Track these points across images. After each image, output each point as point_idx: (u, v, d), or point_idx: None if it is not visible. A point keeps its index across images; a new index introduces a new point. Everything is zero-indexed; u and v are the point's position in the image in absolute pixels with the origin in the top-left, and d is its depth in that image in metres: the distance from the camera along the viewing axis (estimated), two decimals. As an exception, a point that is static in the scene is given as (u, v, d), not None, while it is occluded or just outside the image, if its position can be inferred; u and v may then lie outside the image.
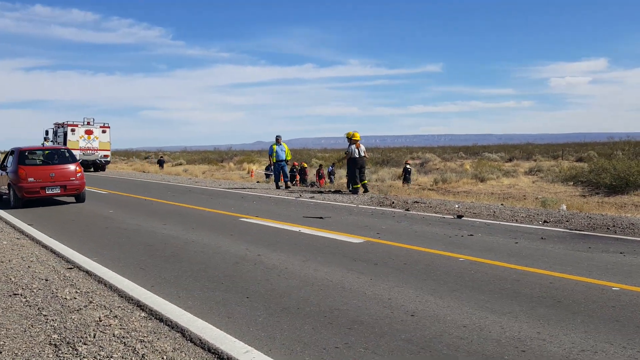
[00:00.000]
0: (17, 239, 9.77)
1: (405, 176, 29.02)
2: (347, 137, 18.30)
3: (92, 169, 36.31)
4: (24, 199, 14.84)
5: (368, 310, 5.08)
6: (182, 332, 4.72)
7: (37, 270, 7.19)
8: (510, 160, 50.24)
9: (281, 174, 20.50)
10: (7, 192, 15.55)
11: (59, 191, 15.04)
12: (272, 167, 21.16)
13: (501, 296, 5.45)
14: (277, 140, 20.40)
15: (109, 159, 36.83)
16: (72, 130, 34.35)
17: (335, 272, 6.60)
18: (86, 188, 16.59)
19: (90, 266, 7.28)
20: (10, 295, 6.02)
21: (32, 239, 9.66)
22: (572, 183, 29.21)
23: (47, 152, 16.21)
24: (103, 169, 36.40)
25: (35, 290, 6.20)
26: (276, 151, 20.29)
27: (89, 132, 34.76)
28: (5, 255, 8.22)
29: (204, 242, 8.93)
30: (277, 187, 20.45)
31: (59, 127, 36.61)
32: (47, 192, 14.90)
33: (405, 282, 6.03)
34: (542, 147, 64.71)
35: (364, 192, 17.54)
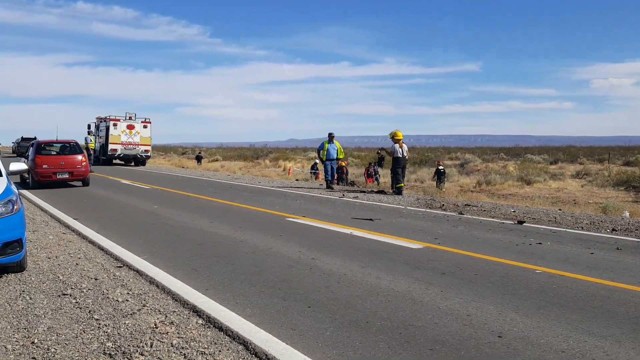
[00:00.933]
0: (63, 233, 9.58)
1: (440, 177, 27.92)
2: (391, 137, 17.76)
3: (132, 164, 36.61)
4: (39, 182, 18.19)
5: (447, 328, 4.60)
6: (245, 344, 4.32)
7: (85, 268, 6.93)
8: (554, 162, 48.79)
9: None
10: (27, 176, 18.76)
11: (67, 176, 18.51)
12: (323, 165, 20.13)
13: (594, 315, 4.89)
14: (330, 138, 19.64)
15: (149, 154, 37.03)
16: (114, 125, 34.62)
17: (399, 282, 6.12)
18: (129, 182, 16.94)
19: (141, 265, 6.97)
20: (60, 296, 5.74)
21: (79, 234, 9.46)
22: (623, 188, 27.98)
23: (59, 144, 19.87)
24: (144, 164, 36.64)
25: (85, 291, 5.92)
26: (327, 149, 19.43)
27: (130, 127, 34.99)
28: (52, 251, 8.01)
29: (254, 242, 8.56)
30: (328, 186, 19.23)
31: (101, 122, 36.99)
32: (57, 177, 18.37)
33: (482, 296, 5.51)
34: (586, 150, 62.76)
35: (398, 193, 16.93)
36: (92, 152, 28.39)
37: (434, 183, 27.52)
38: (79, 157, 18.98)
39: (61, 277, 6.49)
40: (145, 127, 35.94)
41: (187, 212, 12.09)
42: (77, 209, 12.81)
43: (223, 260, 7.31)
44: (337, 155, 19.51)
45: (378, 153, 34.90)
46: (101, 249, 8.16)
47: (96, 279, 6.38)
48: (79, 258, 7.53)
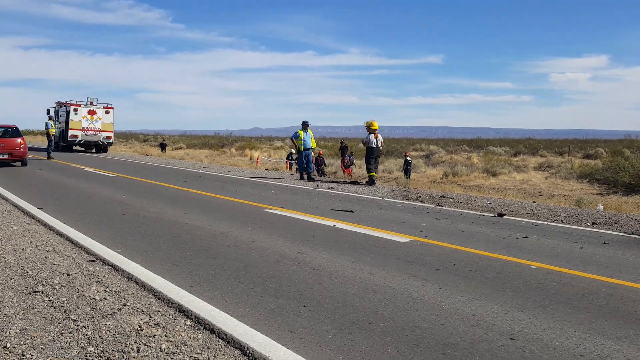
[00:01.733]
0: (28, 224, 9.00)
1: (407, 168, 27.95)
2: (366, 126, 17.50)
3: (94, 150, 35.44)
4: None
5: (455, 329, 4.36)
6: (242, 349, 3.98)
7: (55, 262, 6.44)
8: (516, 155, 49.51)
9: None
10: None
11: (7, 157, 21.02)
12: (297, 155, 18.91)
13: (602, 315, 4.73)
14: (305, 127, 18.43)
15: (111, 140, 35.92)
16: (75, 110, 33.40)
17: (394, 278, 5.87)
18: (92, 170, 16.29)
19: (116, 259, 6.52)
20: (31, 293, 5.28)
21: (45, 224, 8.89)
22: (587, 180, 28.54)
23: (2, 129, 21.80)
24: (105, 151, 35.52)
25: (57, 288, 5.46)
26: (303, 138, 18.26)
27: (92, 113, 33.82)
28: (18, 243, 7.46)
29: (235, 235, 8.18)
30: (302, 177, 18.23)
31: (61, 106, 35.64)
32: None
33: (483, 294, 5.30)
34: (545, 142, 63.96)
35: (371, 183, 16.71)
36: (52, 138, 27.23)
37: (403, 174, 27.53)
38: (18, 140, 21.42)
39: (30, 272, 6.00)
40: (107, 112, 34.82)
41: (159, 202, 11.59)
42: (40, 197, 12.15)
43: (204, 254, 6.93)
44: (312, 144, 18.62)
45: (342, 143, 35.06)
46: (70, 241, 7.64)
47: (68, 275, 5.92)
48: (48, 251, 7.03)
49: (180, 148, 60.31)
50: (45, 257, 6.68)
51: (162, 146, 47.04)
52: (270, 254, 6.96)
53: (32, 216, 9.70)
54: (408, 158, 29.33)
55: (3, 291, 5.32)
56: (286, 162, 30.45)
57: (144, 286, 5.51)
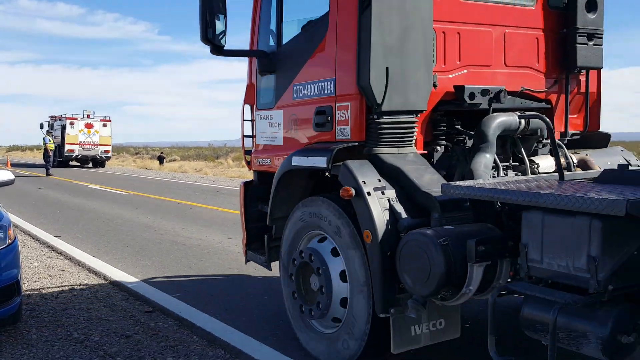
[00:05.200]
0: (49, 257, 7.59)
1: None
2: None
3: (90, 165, 33.84)
4: None
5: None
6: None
7: (102, 316, 5.06)
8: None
9: None
10: None
11: None
12: None
13: None
14: None
15: (109, 154, 34.23)
16: (71, 124, 31.73)
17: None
18: (98, 187, 14.75)
19: (198, 320, 5.04)
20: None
21: (70, 259, 7.47)
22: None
23: None
24: (103, 165, 33.85)
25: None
26: None
27: (89, 126, 32.16)
28: (46, 286, 6.08)
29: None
30: None
31: (55, 120, 33.98)
32: None
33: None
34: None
35: None
36: (50, 153, 25.65)
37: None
38: None
39: (76, 335, 4.59)
40: (104, 125, 33.20)
41: (191, 225, 10.13)
42: (53, 222, 10.67)
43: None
44: None
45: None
46: (112, 283, 6.22)
47: (127, 337, 4.52)
48: (89, 298, 5.63)
49: (175, 160, 58.66)
50: (88, 308, 5.29)
51: (160, 159, 45.43)
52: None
53: (51, 247, 8.26)
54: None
55: (51, 369, 3.92)
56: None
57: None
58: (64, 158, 32.00)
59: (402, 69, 3.64)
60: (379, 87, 3.57)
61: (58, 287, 6.10)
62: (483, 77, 4.03)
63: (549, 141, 4.17)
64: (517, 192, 2.86)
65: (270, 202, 4.35)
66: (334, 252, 3.81)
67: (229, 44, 4.28)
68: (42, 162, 29.58)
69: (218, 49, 4.26)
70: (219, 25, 4.16)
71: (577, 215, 2.61)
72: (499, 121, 3.86)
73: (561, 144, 4.22)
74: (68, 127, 31.86)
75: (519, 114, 3.93)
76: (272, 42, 4.67)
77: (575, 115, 4.54)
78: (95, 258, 7.42)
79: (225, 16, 4.18)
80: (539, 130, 4.10)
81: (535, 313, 2.83)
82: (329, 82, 3.94)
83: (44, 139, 26.69)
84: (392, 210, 3.46)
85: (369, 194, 3.44)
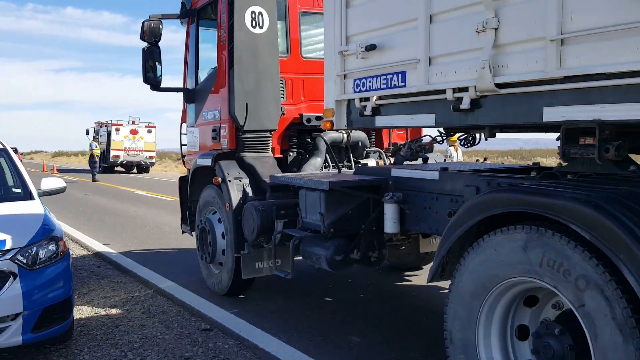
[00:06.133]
0: (98, 267, 7.29)
1: None
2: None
3: (134, 171, 34.19)
4: None
5: None
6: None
7: (158, 334, 4.67)
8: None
9: None
10: None
11: None
12: None
13: None
14: None
15: (154, 160, 34.55)
16: (117, 130, 32.13)
17: None
18: (145, 193, 14.44)
19: (245, 332, 4.69)
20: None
21: (121, 268, 7.17)
22: None
23: None
24: (147, 171, 34.15)
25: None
26: None
27: (134, 132, 32.50)
28: (94, 296, 5.73)
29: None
30: None
31: (101, 127, 34.50)
32: None
33: None
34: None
35: None
36: (97, 159, 25.94)
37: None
38: None
39: (131, 356, 4.23)
40: (149, 131, 33.50)
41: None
42: (101, 228, 10.47)
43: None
44: None
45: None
46: (166, 296, 5.88)
47: (187, 359, 4.13)
48: (142, 313, 5.26)
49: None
50: (142, 325, 4.97)
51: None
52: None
53: (100, 256, 8.01)
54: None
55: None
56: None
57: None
58: (110, 164, 32.38)
59: (257, 104, 5.57)
60: (241, 116, 5.52)
61: (109, 299, 5.80)
62: (319, 107, 5.41)
63: (373, 149, 6.20)
64: (292, 178, 4.86)
65: (188, 189, 6.46)
66: (219, 220, 5.75)
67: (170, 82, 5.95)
68: (87, 167, 29.99)
69: (155, 87, 6.28)
70: (157, 71, 6.16)
71: (316, 191, 4.36)
72: (328, 136, 5.74)
73: (379, 150, 6.21)
74: (114, 133, 32.25)
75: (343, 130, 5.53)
76: (193, 83, 6.60)
77: (402, 131, 6.28)
78: (146, 268, 7.10)
79: (160, 64, 6.17)
80: (360, 142, 6.01)
81: (304, 247, 4.54)
82: (217, 111, 5.95)
83: (90, 145, 27.02)
84: (244, 191, 5.38)
85: (230, 181, 5.39)
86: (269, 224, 4.90)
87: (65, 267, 4.18)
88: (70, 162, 59.15)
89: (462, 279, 2.96)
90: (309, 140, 6.00)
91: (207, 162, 5.72)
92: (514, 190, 2.85)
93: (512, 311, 2.91)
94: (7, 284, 3.78)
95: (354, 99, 4.19)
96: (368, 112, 4.04)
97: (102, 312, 5.34)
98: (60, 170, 33.84)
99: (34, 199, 4.75)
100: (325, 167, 5.79)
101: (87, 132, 35.99)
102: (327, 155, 5.77)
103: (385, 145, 6.35)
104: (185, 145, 6.92)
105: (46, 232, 4.18)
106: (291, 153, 5.99)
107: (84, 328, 4.86)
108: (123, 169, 34.39)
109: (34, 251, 3.97)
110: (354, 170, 5.49)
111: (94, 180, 24.60)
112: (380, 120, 4.04)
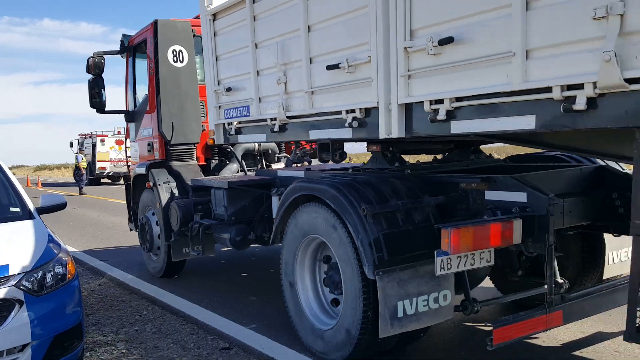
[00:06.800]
0: (98, 285, 6.94)
1: None
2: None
3: (122, 182, 33.58)
4: None
5: None
6: None
7: (175, 356, 4.36)
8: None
9: None
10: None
11: None
12: None
13: None
14: None
15: (140, 170, 34.08)
16: (102, 141, 31.47)
17: None
18: None
19: (269, 350, 4.40)
20: None
21: (123, 286, 6.83)
22: None
23: None
24: (134, 181, 33.62)
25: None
26: None
27: (119, 143, 31.80)
28: (100, 316, 5.39)
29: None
30: None
31: (85, 138, 33.85)
32: None
33: None
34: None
35: None
36: (83, 171, 25.39)
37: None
38: None
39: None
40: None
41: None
42: (95, 243, 10.08)
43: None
44: None
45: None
46: (176, 313, 5.55)
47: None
48: (154, 333, 4.94)
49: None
50: (156, 347, 4.69)
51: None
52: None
53: (99, 272, 7.66)
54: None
55: None
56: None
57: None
58: (96, 176, 31.76)
59: (182, 123, 6.84)
60: (168, 132, 6.79)
61: (116, 320, 5.47)
62: None
63: (283, 155, 7.48)
64: (206, 180, 6.34)
65: (131, 194, 7.76)
66: (155, 218, 6.96)
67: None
68: (72, 180, 29.36)
69: (100, 111, 7.51)
70: (102, 97, 7.42)
71: (220, 189, 5.75)
72: (242, 147, 7.05)
73: (287, 155, 7.43)
74: (99, 144, 31.65)
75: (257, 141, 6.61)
76: (132, 105, 7.86)
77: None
78: (149, 283, 6.78)
79: (104, 91, 7.47)
80: (270, 150, 7.34)
81: (214, 232, 5.85)
82: (150, 129, 7.22)
83: (76, 157, 26.45)
84: (172, 192, 6.60)
85: (160, 185, 6.64)
86: (189, 217, 6.21)
87: (74, 290, 3.85)
88: (54, 175, 58.19)
89: (287, 236, 4.49)
90: (228, 150, 7.16)
91: (143, 170, 7.05)
92: (304, 180, 4.54)
93: (319, 253, 4.37)
94: (12, 313, 3.45)
95: (226, 123, 5.81)
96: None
97: (111, 334, 5.01)
98: (45, 185, 33.13)
99: (34, 218, 4.41)
100: (241, 170, 7.06)
101: (71, 145, 35.30)
102: (242, 160, 7.12)
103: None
104: (130, 157, 8.27)
105: (52, 253, 3.85)
106: (213, 161, 7.32)
107: (93, 354, 4.53)
108: (110, 181, 33.80)
109: (40, 275, 3.64)
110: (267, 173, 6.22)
111: (81, 193, 24.05)
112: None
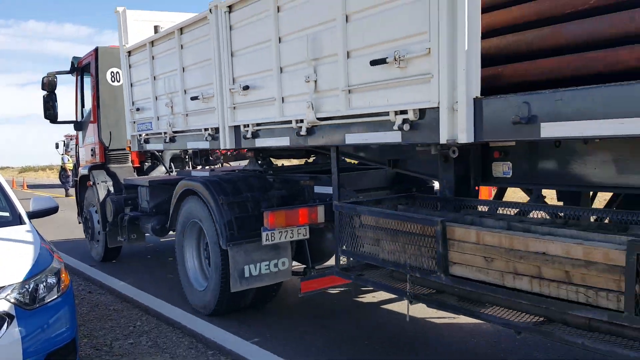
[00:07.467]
0: (89, 292, 6.62)
1: None
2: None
3: (108, 183, 33.03)
4: None
5: None
6: None
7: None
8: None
9: None
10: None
11: None
12: None
13: None
14: None
15: (127, 171, 33.53)
16: (88, 142, 31.07)
17: None
18: None
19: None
20: None
21: (115, 293, 6.51)
22: None
23: None
24: (121, 183, 33.08)
25: None
26: None
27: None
28: (92, 327, 5.08)
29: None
30: None
31: (71, 139, 33.18)
32: None
33: None
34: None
35: None
36: (69, 172, 24.82)
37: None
38: None
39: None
40: (121, 142, 32.50)
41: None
42: (83, 247, 9.71)
43: None
44: None
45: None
46: (173, 325, 5.26)
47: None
48: (150, 347, 4.65)
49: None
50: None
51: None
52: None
53: (88, 279, 7.32)
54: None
55: None
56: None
57: None
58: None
59: (118, 132, 8.05)
60: (106, 139, 8.14)
61: (110, 331, 5.17)
62: None
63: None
64: (134, 179, 7.63)
65: (79, 191, 9.02)
66: (95, 211, 8.12)
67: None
68: (57, 182, 28.79)
69: (53, 122, 8.66)
70: (55, 109, 8.56)
71: (144, 186, 7.04)
72: (170, 152, 8.24)
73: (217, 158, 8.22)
74: (84, 145, 31.12)
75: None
76: (80, 116, 9.16)
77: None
78: (142, 292, 6.47)
79: (57, 104, 8.58)
80: (190, 151, 8.05)
81: (140, 223, 7.08)
82: (93, 137, 8.47)
83: (62, 158, 25.92)
84: (108, 190, 7.81)
85: (98, 184, 7.89)
86: (121, 210, 7.40)
87: (68, 302, 3.57)
88: (39, 177, 57.21)
89: (178, 221, 5.81)
90: (158, 153, 8.39)
91: (85, 171, 8.37)
92: (187, 178, 5.79)
93: (201, 234, 5.55)
94: (2, 329, 3.16)
95: (137, 134, 7.35)
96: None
97: (105, 348, 4.71)
98: (31, 186, 32.45)
99: (24, 223, 4.12)
100: (171, 171, 8.33)
101: (57, 146, 34.53)
102: (171, 163, 8.43)
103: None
104: (79, 160, 9.61)
105: (44, 262, 3.57)
106: (146, 163, 8.65)
107: (86, 369, 4.23)
108: (96, 182, 33.20)
109: (31, 287, 3.35)
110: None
111: (67, 195, 23.56)
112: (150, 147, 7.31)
